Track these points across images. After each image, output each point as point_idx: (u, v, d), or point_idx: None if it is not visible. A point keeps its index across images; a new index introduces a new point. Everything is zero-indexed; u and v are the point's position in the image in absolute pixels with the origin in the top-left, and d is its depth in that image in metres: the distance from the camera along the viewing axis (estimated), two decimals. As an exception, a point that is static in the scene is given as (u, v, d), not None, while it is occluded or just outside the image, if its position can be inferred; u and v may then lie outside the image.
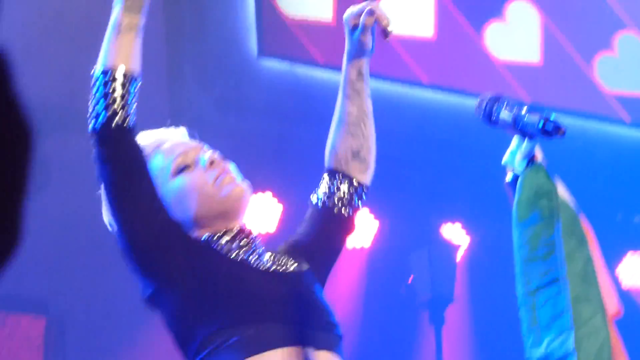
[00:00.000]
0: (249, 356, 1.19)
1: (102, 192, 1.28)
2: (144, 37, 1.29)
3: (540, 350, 1.07)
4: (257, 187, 2.45)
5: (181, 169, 1.32)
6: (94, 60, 1.28)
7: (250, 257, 1.31)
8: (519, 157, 1.17)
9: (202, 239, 1.31)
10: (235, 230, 1.33)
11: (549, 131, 1.11)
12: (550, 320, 1.07)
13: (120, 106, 1.21)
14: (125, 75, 1.22)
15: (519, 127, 1.14)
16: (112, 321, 4.07)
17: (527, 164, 1.14)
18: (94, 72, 1.24)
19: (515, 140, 1.18)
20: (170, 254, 1.25)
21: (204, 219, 1.32)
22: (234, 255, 1.30)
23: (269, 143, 4.23)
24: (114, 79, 1.21)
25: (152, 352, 4.22)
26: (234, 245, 1.31)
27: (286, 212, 3.91)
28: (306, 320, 1.24)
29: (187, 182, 1.31)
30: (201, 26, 4.23)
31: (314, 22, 4.46)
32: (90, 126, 1.23)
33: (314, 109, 3.56)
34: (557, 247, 1.11)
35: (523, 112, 1.14)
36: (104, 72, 1.22)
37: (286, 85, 4.50)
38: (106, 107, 1.20)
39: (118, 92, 1.21)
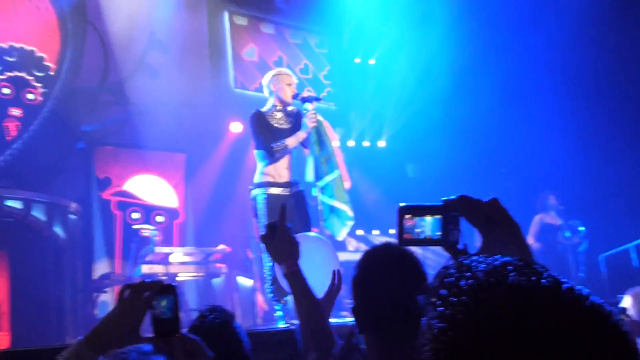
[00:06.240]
0: None
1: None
2: None
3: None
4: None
5: (287, 83, 4.37)
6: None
7: (286, 123, 4.25)
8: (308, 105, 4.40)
9: (268, 109, 4.30)
10: (284, 107, 4.37)
11: (317, 98, 4.36)
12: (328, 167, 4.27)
13: None
14: None
15: (305, 99, 4.44)
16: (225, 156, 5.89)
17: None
18: None
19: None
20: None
21: (278, 99, 4.36)
22: (280, 123, 4.24)
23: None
24: None
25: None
26: (281, 115, 4.32)
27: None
28: None
29: (283, 87, 4.38)
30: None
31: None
32: None
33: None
34: (329, 146, 4.25)
35: (306, 94, 4.49)
36: None
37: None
38: None
39: None
